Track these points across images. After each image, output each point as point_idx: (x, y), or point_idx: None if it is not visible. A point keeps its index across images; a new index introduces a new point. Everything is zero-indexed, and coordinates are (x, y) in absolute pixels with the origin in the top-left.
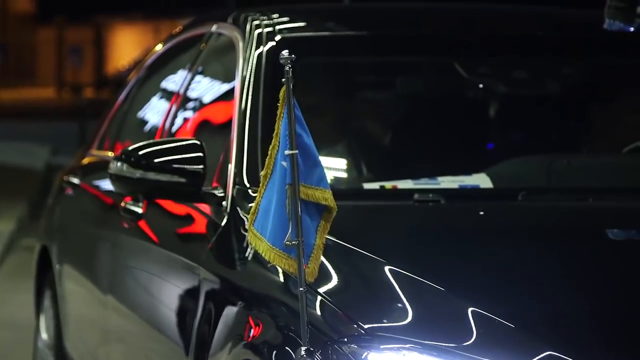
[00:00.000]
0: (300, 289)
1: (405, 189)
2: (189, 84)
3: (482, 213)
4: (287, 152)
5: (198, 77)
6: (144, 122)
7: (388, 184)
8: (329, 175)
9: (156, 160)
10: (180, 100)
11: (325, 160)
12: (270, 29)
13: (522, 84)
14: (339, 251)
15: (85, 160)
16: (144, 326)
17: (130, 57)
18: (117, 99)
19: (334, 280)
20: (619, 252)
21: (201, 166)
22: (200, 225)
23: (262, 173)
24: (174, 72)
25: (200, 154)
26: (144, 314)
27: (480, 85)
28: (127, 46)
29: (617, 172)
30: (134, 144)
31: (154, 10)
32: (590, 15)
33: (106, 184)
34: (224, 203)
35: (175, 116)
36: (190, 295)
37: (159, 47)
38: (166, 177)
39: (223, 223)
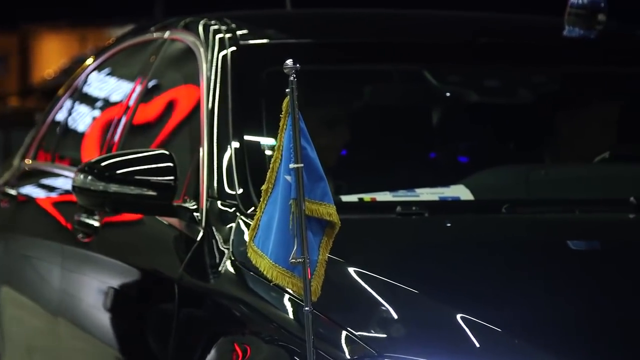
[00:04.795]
0: (306, 308)
1: (385, 201)
2: (143, 92)
3: (469, 226)
4: (292, 165)
5: (152, 86)
6: (89, 134)
7: (366, 197)
8: None
9: (125, 172)
10: (133, 109)
11: None
12: (230, 34)
13: (492, 93)
14: (334, 267)
15: (21, 171)
16: (105, 350)
17: (56, 66)
18: (52, 109)
19: (333, 298)
20: (605, 262)
21: (172, 177)
22: (172, 241)
23: (263, 187)
24: (119, 81)
25: (171, 164)
26: (105, 336)
27: (447, 94)
28: (53, 54)
29: (596, 182)
30: (91, 156)
31: (81, 18)
32: (551, 22)
33: (51, 196)
34: (196, 215)
35: (127, 127)
36: (163, 317)
37: (91, 59)
38: (136, 190)
39: (198, 238)
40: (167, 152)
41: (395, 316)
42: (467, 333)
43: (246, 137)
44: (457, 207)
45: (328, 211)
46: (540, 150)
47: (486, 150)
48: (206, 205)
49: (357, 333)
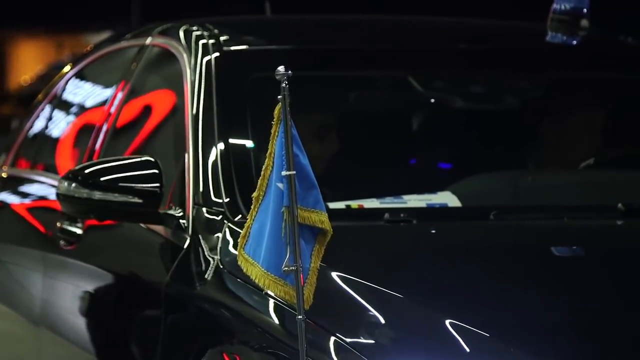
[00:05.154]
0: (299, 317)
1: (373, 208)
2: (125, 99)
3: (457, 233)
4: (284, 172)
5: (134, 92)
6: (70, 141)
7: (354, 203)
8: None
9: (110, 180)
10: (115, 116)
11: None
12: (213, 40)
13: (479, 99)
14: (323, 274)
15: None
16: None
17: (33, 72)
18: (30, 116)
19: (323, 305)
20: (593, 268)
21: (157, 185)
22: (158, 249)
23: (254, 195)
24: (99, 88)
25: (156, 171)
26: (89, 346)
27: (433, 100)
28: (29, 61)
29: (584, 189)
30: (71, 163)
31: (57, 25)
32: (535, 28)
33: (30, 203)
34: (182, 223)
35: (110, 134)
36: (150, 326)
37: (69, 67)
38: (121, 197)
39: (185, 246)
40: (152, 159)
41: (386, 323)
42: (457, 339)
43: (232, 143)
44: (445, 213)
45: (320, 219)
46: (527, 157)
47: (473, 156)
48: (192, 212)
49: (348, 340)
